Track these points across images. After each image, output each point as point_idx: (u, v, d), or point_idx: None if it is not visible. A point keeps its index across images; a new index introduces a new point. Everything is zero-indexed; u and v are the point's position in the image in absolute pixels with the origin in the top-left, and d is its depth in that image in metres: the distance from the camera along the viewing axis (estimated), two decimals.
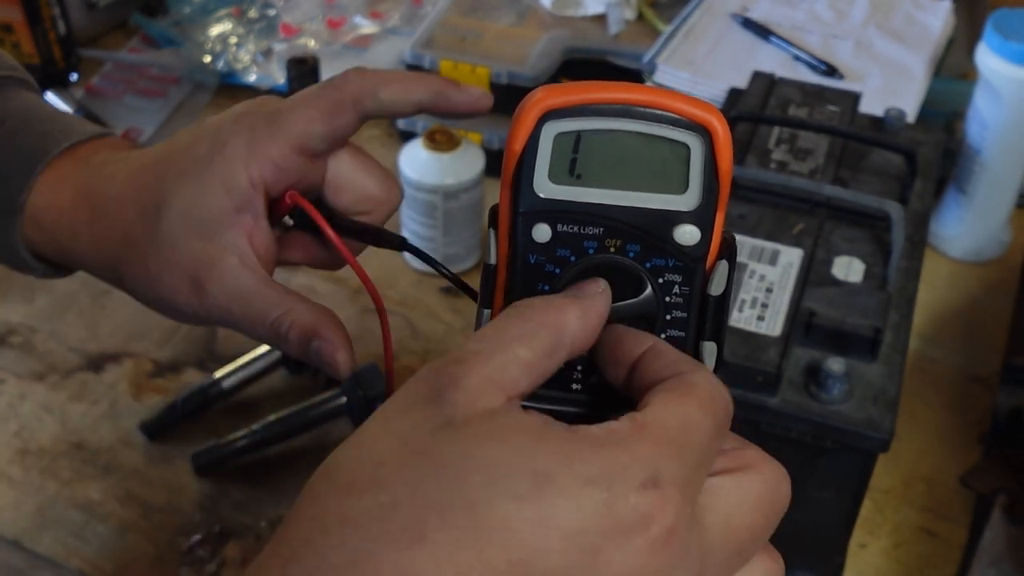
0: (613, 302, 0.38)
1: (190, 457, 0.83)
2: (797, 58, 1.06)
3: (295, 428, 0.83)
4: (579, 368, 0.39)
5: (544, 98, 0.36)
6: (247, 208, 0.47)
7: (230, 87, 1.23)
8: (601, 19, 1.16)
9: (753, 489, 0.34)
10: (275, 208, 0.50)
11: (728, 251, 0.38)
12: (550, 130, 0.36)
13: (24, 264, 0.53)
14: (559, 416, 0.36)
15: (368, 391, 0.83)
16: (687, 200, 0.37)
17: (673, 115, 0.36)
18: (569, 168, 0.37)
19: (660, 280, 0.38)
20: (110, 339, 0.95)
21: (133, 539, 0.79)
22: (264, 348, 0.89)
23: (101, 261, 0.50)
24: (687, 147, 0.36)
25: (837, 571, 0.73)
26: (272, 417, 0.83)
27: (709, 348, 0.39)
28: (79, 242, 0.50)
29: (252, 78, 1.22)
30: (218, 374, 0.87)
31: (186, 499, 0.81)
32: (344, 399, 0.84)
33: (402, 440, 0.31)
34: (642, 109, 0.36)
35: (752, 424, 0.65)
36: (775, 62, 1.05)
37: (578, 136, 0.36)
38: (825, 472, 0.66)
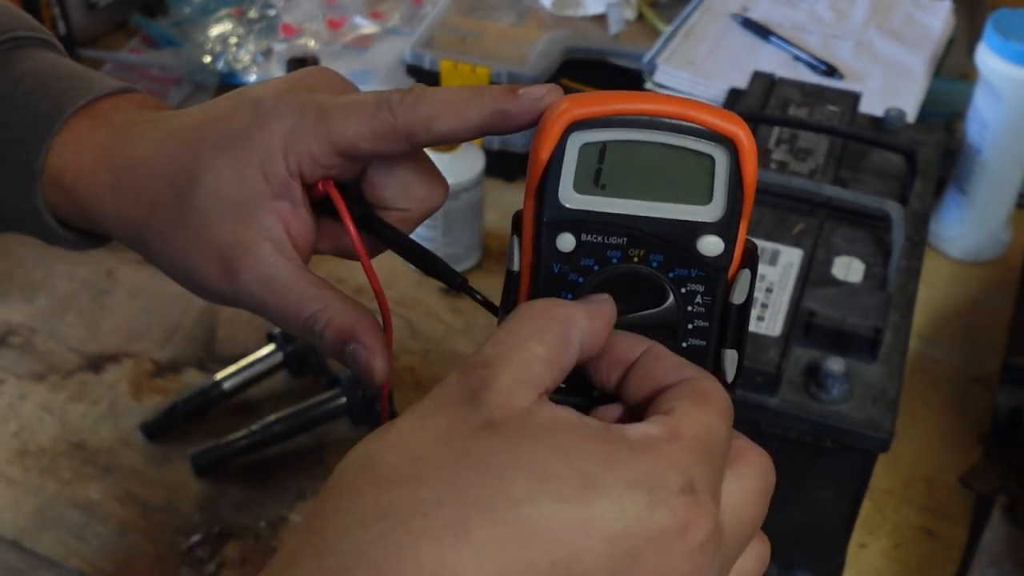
0: (636, 311, 0.38)
1: (190, 457, 0.82)
2: (797, 58, 1.06)
3: (295, 428, 0.83)
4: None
5: (570, 108, 0.36)
6: (285, 195, 0.44)
7: (230, 87, 1.23)
8: (601, 19, 1.16)
9: (751, 482, 0.34)
10: (308, 193, 0.46)
11: (750, 260, 0.39)
12: (576, 141, 0.36)
13: (52, 234, 0.50)
14: None
15: (368, 391, 0.83)
16: (711, 211, 0.37)
17: (698, 127, 0.36)
18: (594, 178, 0.37)
19: (683, 290, 0.38)
20: (110, 339, 0.95)
21: (133, 539, 0.79)
22: (266, 350, 0.89)
23: (126, 228, 0.48)
24: (712, 159, 0.37)
25: (837, 571, 0.73)
26: (272, 417, 0.83)
27: (731, 356, 0.39)
28: (103, 206, 0.48)
29: (252, 78, 1.23)
30: (219, 375, 0.87)
31: (186, 499, 0.81)
32: (344, 399, 0.84)
33: (441, 438, 0.31)
34: (667, 120, 0.36)
35: (752, 424, 0.65)
36: (775, 62, 1.05)
37: (603, 147, 0.37)
38: (825, 472, 0.66)
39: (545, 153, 0.37)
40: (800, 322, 0.67)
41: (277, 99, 0.44)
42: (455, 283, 0.46)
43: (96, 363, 0.93)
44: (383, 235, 0.46)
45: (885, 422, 0.63)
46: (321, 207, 0.46)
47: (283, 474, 0.83)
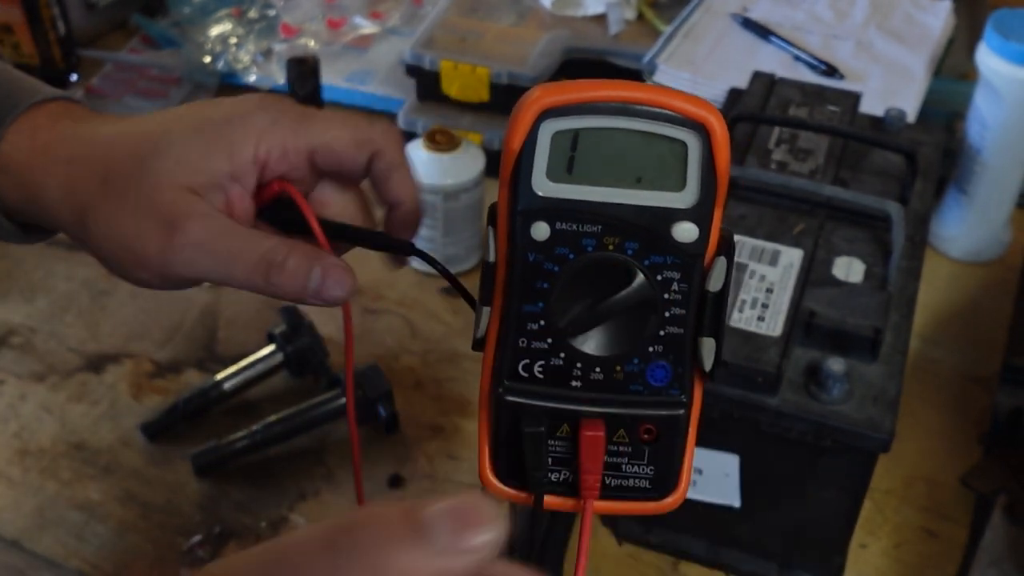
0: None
1: (190, 458, 0.82)
2: (797, 58, 1.06)
3: (295, 428, 0.83)
4: (579, 365, 0.39)
5: (541, 97, 0.36)
6: (241, 179, 0.46)
7: (230, 87, 1.23)
8: (601, 19, 1.16)
9: None
10: (258, 193, 0.48)
11: (726, 247, 0.39)
12: (548, 128, 0.36)
13: None
14: (560, 414, 0.36)
15: (369, 391, 0.83)
16: (685, 197, 0.37)
17: (671, 113, 0.36)
18: (567, 166, 0.37)
19: (658, 277, 0.38)
20: (110, 339, 0.95)
21: (133, 539, 0.79)
22: (266, 350, 0.89)
23: (69, 205, 0.48)
24: (685, 145, 0.37)
25: (837, 571, 0.73)
26: (272, 417, 0.83)
27: (708, 344, 0.39)
28: (48, 184, 0.48)
29: (252, 78, 1.23)
30: (219, 376, 0.87)
31: (186, 499, 0.81)
32: (344, 400, 0.84)
33: None
34: (640, 107, 0.36)
35: (752, 424, 0.65)
36: (775, 62, 1.05)
37: (576, 134, 0.37)
38: (825, 472, 0.66)
39: (517, 141, 0.37)
40: (800, 322, 0.67)
41: (260, 99, 0.48)
42: (407, 249, 0.47)
43: (96, 363, 0.93)
44: (329, 231, 0.47)
45: (885, 422, 0.63)
46: (266, 215, 0.48)
47: (284, 474, 0.83)
